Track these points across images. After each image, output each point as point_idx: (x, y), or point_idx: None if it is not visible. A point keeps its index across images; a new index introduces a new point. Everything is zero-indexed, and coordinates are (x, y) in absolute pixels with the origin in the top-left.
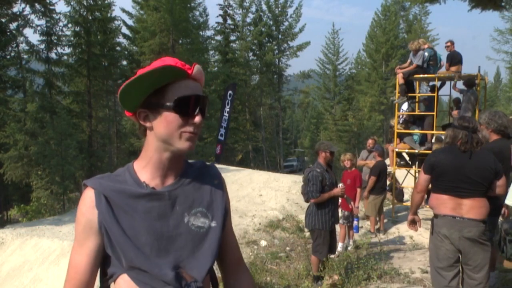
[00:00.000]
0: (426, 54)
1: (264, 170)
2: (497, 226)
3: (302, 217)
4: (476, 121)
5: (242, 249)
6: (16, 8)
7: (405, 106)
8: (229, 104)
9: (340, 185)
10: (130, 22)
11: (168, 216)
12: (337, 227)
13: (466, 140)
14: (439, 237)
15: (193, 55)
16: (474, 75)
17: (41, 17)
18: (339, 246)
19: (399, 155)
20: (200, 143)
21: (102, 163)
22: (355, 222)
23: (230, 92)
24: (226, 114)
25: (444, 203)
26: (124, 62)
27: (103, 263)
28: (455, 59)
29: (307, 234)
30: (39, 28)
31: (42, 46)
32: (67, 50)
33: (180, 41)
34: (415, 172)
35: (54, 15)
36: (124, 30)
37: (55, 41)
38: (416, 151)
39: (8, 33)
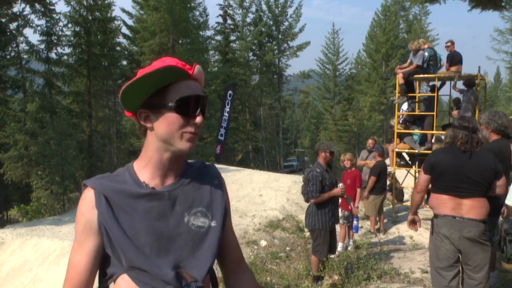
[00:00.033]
0: (426, 54)
1: (264, 170)
2: (497, 226)
3: (302, 217)
4: (476, 121)
5: (242, 249)
6: (16, 8)
7: (405, 106)
8: (229, 104)
9: (340, 185)
10: (130, 22)
11: (168, 216)
12: (337, 227)
13: (466, 140)
14: (439, 237)
15: (193, 55)
16: (474, 75)
17: (41, 17)
18: (339, 246)
19: (399, 155)
20: (200, 143)
21: (102, 163)
22: (354, 222)
23: (230, 92)
24: (226, 114)
25: (444, 203)
26: (124, 62)
27: (103, 263)
28: (455, 59)
29: (307, 234)
30: (39, 28)
31: (42, 46)
32: (67, 50)
33: (180, 41)
34: (415, 172)
35: (54, 15)
36: (124, 30)
37: (55, 41)
38: (416, 151)
39: (8, 33)
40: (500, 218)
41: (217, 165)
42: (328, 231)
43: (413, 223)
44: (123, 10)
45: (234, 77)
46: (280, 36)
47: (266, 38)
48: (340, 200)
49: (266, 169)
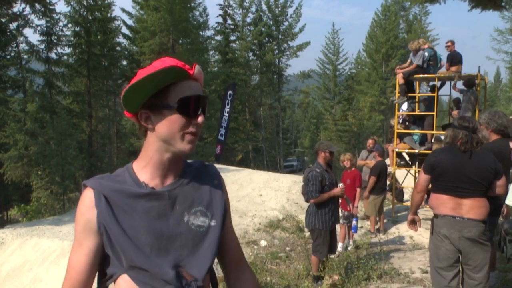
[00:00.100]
0: (426, 54)
1: (264, 170)
2: (497, 226)
3: (302, 217)
4: (476, 121)
5: (242, 249)
6: (16, 8)
7: (405, 106)
8: (229, 104)
9: (340, 185)
10: (130, 22)
11: (168, 216)
12: (338, 227)
13: (466, 140)
14: (439, 237)
15: (193, 55)
16: (474, 75)
17: (41, 17)
18: (339, 246)
19: (399, 155)
20: (200, 143)
21: (102, 163)
22: (353, 222)
23: (230, 92)
24: (226, 114)
25: (444, 203)
26: (124, 62)
27: (102, 264)
28: (455, 59)
29: (307, 234)
30: (39, 28)
31: (42, 46)
32: (67, 50)
33: (180, 41)
34: (415, 172)
35: (54, 15)
36: (124, 30)
37: (55, 41)
38: (416, 151)
39: (8, 33)
40: (500, 218)
41: (217, 165)
42: (328, 231)
43: (413, 223)
44: (123, 10)
45: (234, 77)
46: (280, 36)
47: (266, 38)
48: (340, 200)
49: (266, 169)
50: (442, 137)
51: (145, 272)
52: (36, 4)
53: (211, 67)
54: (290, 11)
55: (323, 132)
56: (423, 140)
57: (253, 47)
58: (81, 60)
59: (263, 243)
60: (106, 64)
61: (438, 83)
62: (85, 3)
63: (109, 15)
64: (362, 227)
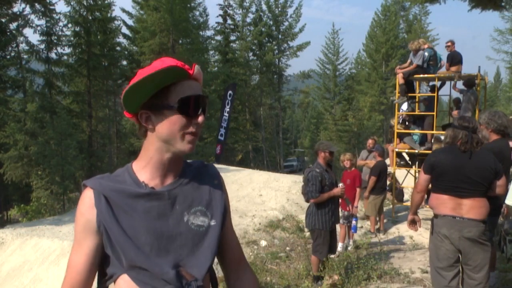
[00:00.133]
0: (426, 54)
1: (264, 170)
2: (497, 226)
3: (302, 217)
4: (476, 121)
5: (242, 249)
6: (16, 8)
7: (405, 106)
8: (229, 104)
9: (340, 185)
10: (130, 22)
11: (168, 216)
12: (338, 227)
13: (466, 140)
14: (439, 237)
15: (193, 55)
16: (474, 75)
17: (41, 17)
18: (339, 246)
19: (399, 155)
20: (200, 143)
21: (102, 163)
22: (353, 222)
23: (230, 92)
24: (226, 114)
25: (444, 203)
26: (124, 62)
27: (102, 264)
28: (455, 59)
29: (307, 234)
30: (39, 28)
31: (42, 46)
32: (67, 50)
33: (180, 41)
34: (415, 172)
35: (54, 15)
36: (124, 30)
37: (55, 41)
38: (416, 151)
39: (8, 33)
40: (500, 218)
41: (217, 165)
42: (328, 231)
43: (413, 223)
44: (123, 10)
45: (234, 77)
46: (280, 36)
47: (266, 38)
48: (340, 200)
49: (266, 169)
50: (442, 137)
51: (145, 272)
52: (36, 4)
53: (211, 67)
54: (290, 11)
55: (323, 132)
56: (423, 140)
57: (253, 47)
58: (81, 60)
59: (263, 243)
60: (106, 64)
61: (438, 83)
62: (85, 3)
63: (109, 15)
64: (362, 227)
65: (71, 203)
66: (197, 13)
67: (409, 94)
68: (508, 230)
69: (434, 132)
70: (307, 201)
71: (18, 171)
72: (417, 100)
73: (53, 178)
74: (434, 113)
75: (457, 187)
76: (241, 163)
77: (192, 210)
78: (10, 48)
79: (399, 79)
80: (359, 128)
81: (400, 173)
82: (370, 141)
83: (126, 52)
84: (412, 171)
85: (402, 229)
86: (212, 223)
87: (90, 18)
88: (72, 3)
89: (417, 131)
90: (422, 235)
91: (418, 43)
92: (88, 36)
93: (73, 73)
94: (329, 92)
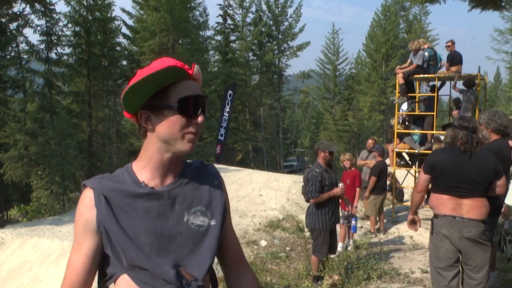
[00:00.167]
0: (426, 54)
1: (264, 170)
2: (497, 226)
3: (302, 217)
4: (476, 121)
5: (242, 249)
6: (16, 8)
7: (405, 106)
8: (229, 104)
9: (340, 185)
10: (130, 22)
11: (168, 215)
12: (338, 227)
13: (466, 140)
14: (439, 237)
15: (193, 55)
16: (474, 75)
17: (41, 17)
18: (339, 246)
19: (399, 155)
20: (200, 143)
21: (102, 163)
22: (353, 222)
23: (230, 92)
24: (226, 114)
25: (444, 203)
26: (124, 62)
27: (102, 264)
28: (455, 59)
29: (307, 234)
30: (39, 28)
31: (42, 46)
32: (67, 50)
33: (180, 41)
34: (415, 172)
35: (54, 15)
36: (124, 30)
37: (55, 41)
38: (416, 151)
39: (8, 33)
40: (500, 218)
41: (217, 165)
42: (328, 231)
43: (413, 223)
44: (123, 10)
45: (234, 77)
46: (280, 36)
47: (266, 38)
48: (340, 200)
49: (266, 169)
50: (442, 137)
51: (145, 272)
52: (36, 4)
53: (211, 67)
54: (290, 11)
55: (323, 132)
56: (423, 140)
57: (253, 47)
58: (81, 60)
59: (263, 243)
60: (106, 64)
61: (438, 83)
62: (85, 3)
63: (109, 15)
64: (362, 227)
65: (71, 203)
66: (197, 13)
67: (409, 94)
68: (508, 230)
69: (434, 132)
70: (307, 201)
71: (18, 171)
72: (417, 100)
73: (53, 178)
74: (434, 113)
75: (457, 187)
76: (241, 163)
77: (192, 210)
78: (10, 48)
79: (399, 79)
80: (359, 128)
81: (400, 173)
82: (370, 141)
83: (126, 52)
84: (412, 171)
85: (402, 229)
86: (212, 223)
87: (90, 18)
88: (72, 3)
89: (417, 131)
90: (422, 235)
91: (418, 43)
92: (88, 36)
93: (73, 73)
94: (329, 92)
